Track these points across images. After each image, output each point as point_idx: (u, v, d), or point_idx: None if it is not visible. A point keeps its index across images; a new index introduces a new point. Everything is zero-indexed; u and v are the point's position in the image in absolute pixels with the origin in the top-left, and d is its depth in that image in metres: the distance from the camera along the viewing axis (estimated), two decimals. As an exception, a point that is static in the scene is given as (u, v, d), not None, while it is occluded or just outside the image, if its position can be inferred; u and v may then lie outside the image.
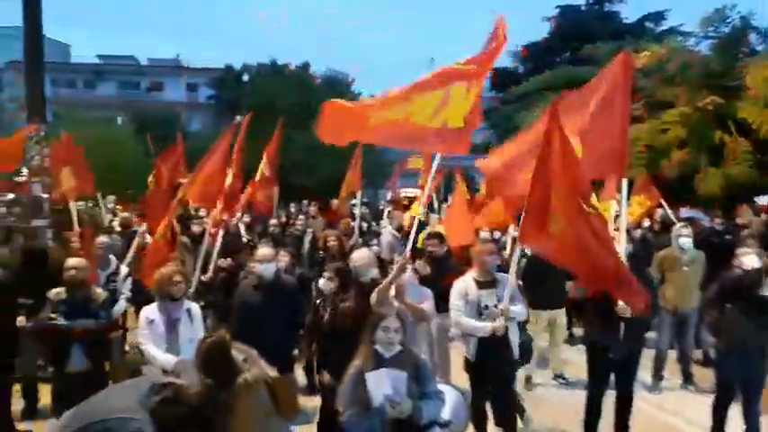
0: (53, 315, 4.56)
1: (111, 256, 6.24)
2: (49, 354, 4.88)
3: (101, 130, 24.61)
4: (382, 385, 3.37)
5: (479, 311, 4.79)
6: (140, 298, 5.80)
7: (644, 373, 6.77)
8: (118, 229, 8.01)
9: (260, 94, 29.33)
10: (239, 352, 3.41)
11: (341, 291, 4.80)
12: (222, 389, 3.02)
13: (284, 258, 6.12)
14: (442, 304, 5.30)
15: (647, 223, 10.00)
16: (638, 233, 9.21)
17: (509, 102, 23.99)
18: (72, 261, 4.80)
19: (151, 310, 4.63)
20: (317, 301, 4.97)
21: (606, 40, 19.34)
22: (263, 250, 5.31)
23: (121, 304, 5.91)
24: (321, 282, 4.86)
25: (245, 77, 35.99)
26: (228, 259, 6.72)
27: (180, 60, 51.29)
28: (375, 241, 9.16)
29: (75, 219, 8.95)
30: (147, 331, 4.56)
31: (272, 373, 3.41)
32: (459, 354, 5.44)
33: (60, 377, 4.66)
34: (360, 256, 5.31)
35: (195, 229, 8.08)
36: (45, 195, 7.88)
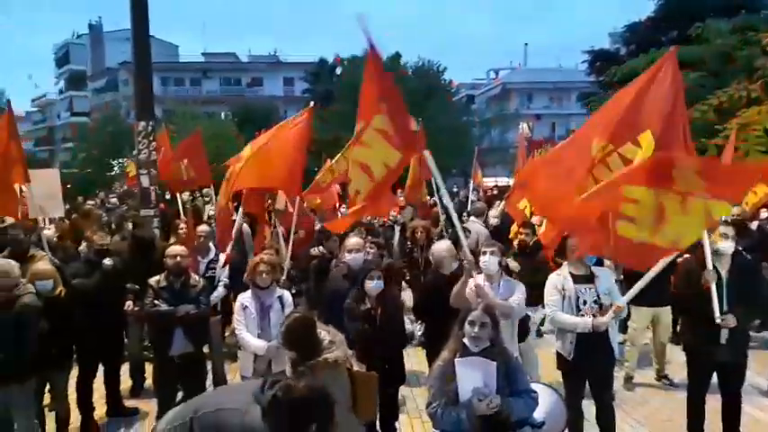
0: (156, 301, 4.81)
1: (211, 244, 6.52)
2: (154, 337, 5.16)
3: (205, 124, 26.00)
4: (471, 375, 3.28)
5: (577, 306, 4.56)
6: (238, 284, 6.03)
7: (761, 379, 6.22)
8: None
9: (351, 85, 29.76)
10: (328, 334, 3.46)
11: (388, 290, 4.75)
12: (304, 362, 3.11)
13: (372, 249, 6.13)
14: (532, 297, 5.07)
15: (764, 214, 9.10)
16: (754, 225, 8.43)
17: (609, 85, 22.77)
18: (175, 249, 5.05)
19: (245, 297, 4.79)
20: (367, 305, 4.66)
21: (717, 16, 17.79)
22: (352, 240, 5.35)
23: (220, 290, 6.15)
24: (368, 284, 4.59)
25: (339, 70, 36.66)
26: (320, 247, 6.83)
27: (278, 56, 53.18)
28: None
29: (181, 209, 9.53)
30: (241, 317, 4.73)
31: (360, 368, 3.40)
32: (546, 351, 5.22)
33: (163, 360, 4.92)
34: (439, 249, 5.24)
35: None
36: (152, 187, 8.36)
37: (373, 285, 4.58)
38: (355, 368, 3.44)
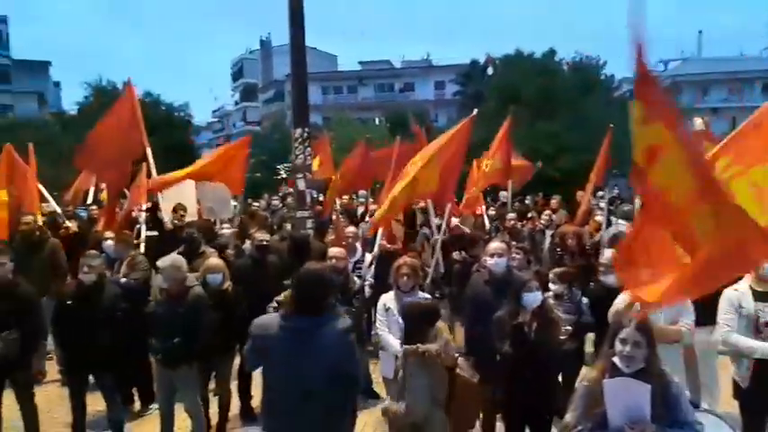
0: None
1: (358, 245, 6.72)
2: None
3: (359, 129, 27.09)
4: (621, 399, 2.97)
5: (756, 328, 3.96)
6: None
7: None
8: (368, 219, 8.62)
9: (503, 85, 29.11)
10: (441, 333, 3.44)
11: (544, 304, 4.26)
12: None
13: (517, 254, 5.88)
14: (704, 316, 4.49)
15: None
16: None
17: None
18: (334, 250, 5.27)
19: (388, 298, 4.84)
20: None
21: None
22: (495, 244, 5.17)
23: (365, 290, 6.32)
24: (526, 296, 4.13)
25: (490, 70, 36.11)
26: (463, 252, 6.73)
27: (430, 60, 53.82)
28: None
29: (336, 210, 10.01)
30: (383, 318, 4.78)
31: (466, 372, 3.30)
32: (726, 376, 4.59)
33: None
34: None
35: (435, 221, 8.29)
36: (307, 189, 8.83)
37: (531, 298, 4.09)
38: (462, 373, 3.37)
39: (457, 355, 3.44)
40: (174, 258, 5.04)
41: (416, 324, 3.45)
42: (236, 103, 67.41)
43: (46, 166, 9.21)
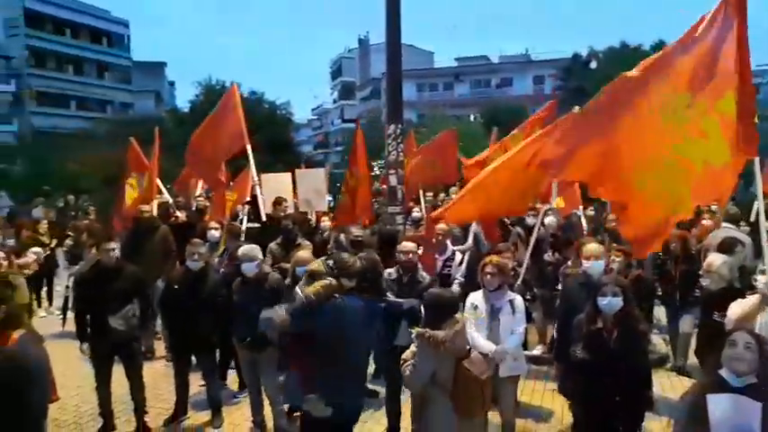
0: (386, 293, 5.06)
1: (448, 242, 6.67)
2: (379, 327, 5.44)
3: (455, 126, 26.88)
4: (727, 417, 2.75)
5: None
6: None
7: None
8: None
9: (606, 79, 27.75)
10: (455, 324, 3.61)
11: (629, 310, 3.95)
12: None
13: (618, 257, 5.58)
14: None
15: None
16: None
17: None
18: (407, 245, 5.26)
19: (476, 297, 4.78)
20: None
21: None
22: (591, 245, 4.94)
23: (455, 288, 6.24)
24: (600, 301, 3.91)
25: (593, 64, 34.56)
26: (556, 254, 6.50)
27: (529, 55, 52.40)
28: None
29: (423, 206, 10.00)
30: (470, 316, 4.73)
31: (475, 366, 3.58)
32: None
33: (388, 349, 5.14)
34: (715, 263, 4.55)
35: (528, 221, 8.07)
36: (399, 185, 8.89)
37: (606, 303, 3.89)
38: (470, 366, 3.55)
39: (468, 347, 3.63)
40: (250, 247, 5.26)
41: (435, 312, 3.67)
42: (335, 102, 69.07)
43: (160, 159, 9.93)
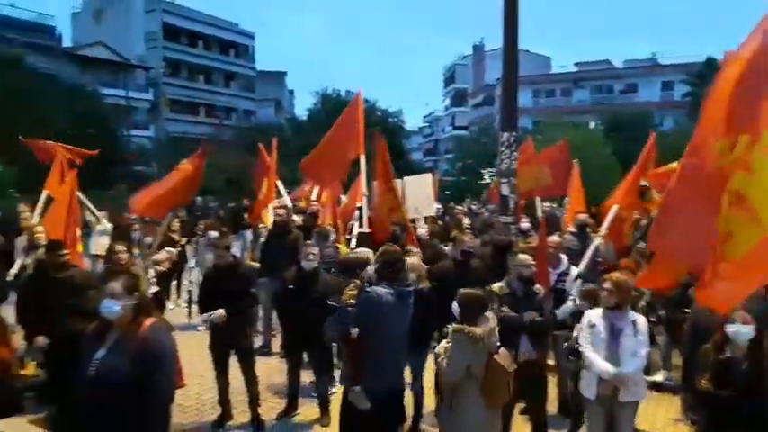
0: (502, 307, 4.93)
1: (563, 256, 6.39)
2: (503, 343, 5.29)
3: (571, 134, 25.87)
4: None
5: None
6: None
7: None
8: (571, 229, 8.15)
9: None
10: (490, 317, 3.95)
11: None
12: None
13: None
14: None
15: None
16: None
17: None
18: (524, 258, 5.11)
19: (594, 315, 4.54)
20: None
21: None
22: (728, 267, 4.51)
23: (568, 305, 5.95)
24: (728, 329, 3.59)
25: (731, 69, 31.77)
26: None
27: (656, 59, 49.33)
28: None
29: (539, 215, 9.67)
30: (587, 334, 4.50)
31: (504, 360, 3.82)
32: None
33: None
34: None
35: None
36: (511, 195, 8.67)
37: (734, 331, 3.59)
38: (499, 360, 3.83)
39: (498, 343, 3.92)
40: (363, 251, 5.32)
41: (469, 310, 3.95)
42: (446, 109, 69.07)
43: (280, 164, 10.44)
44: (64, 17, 58.56)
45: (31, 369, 4.80)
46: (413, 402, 5.62)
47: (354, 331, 4.09)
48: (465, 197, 24.72)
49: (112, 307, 3.39)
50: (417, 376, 5.62)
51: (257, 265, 8.04)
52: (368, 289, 4.05)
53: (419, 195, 10.04)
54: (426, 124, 77.04)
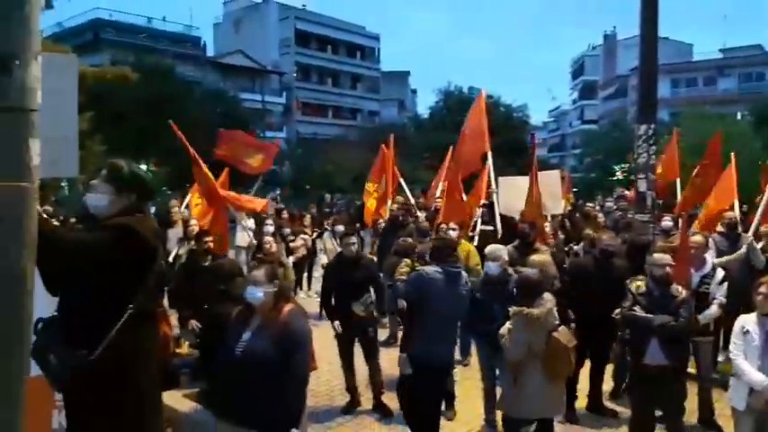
0: (635, 307, 4.68)
1: (707, 256, 5.92)
2: (629, 343, 5.03)
3: (716, 125, 23.72)
4: None
5: None
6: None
7: None
8: (720, 228, 7.49)
9: None
10: (548, 298, 4.35)
11: None
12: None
13: None
14: None
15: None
16: None
17: None
18: (662, 257, 4.80)
19: (748, 321, 4.19)
20: None
21: None
22: None
23: (713, 309, 5.49)
24: None
25: None
26: None
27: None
28: None
29: (683, 215, 9.02)
30: (739, 341, 4.17)
31: (563, 337, 4.15)
32: None
33: (636, 367, 4.72)
34: None
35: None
36: (649, 191, 8.16)
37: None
38: (559, 337, 4.20)
39: (557, 322, 4.25)
40: (495, 247, 5.31)
41: (526, 293, 4.35)
42: (574, 102, 66.20)
43: (402, 162, 10.66)
44: (207, 28, 63.67)
45: (185, 349, 5.36)
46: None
47: (402, 303, 4.67)
48: (595, 194, 23.60)
49: (256, 293, 3.69)
50: None
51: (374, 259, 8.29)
52: (418, 268, 4.60)
53: (546, 192, 9.76)
54: (552, 119, 74.34)
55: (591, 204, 14.88)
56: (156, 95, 24.99)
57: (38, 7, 1.28)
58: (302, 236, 10.10)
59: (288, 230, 9.72)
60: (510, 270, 5.24)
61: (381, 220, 9.29)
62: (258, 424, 3.51)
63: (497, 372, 5.22)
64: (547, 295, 4.34)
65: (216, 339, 4.18)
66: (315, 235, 11.43)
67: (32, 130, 1.29)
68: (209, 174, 7.39)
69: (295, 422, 3.76)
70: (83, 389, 2.62)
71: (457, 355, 6.04)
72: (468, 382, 6.31)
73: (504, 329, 4.31)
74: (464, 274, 4.64)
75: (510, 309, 4.30)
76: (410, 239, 5.46)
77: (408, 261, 5.41)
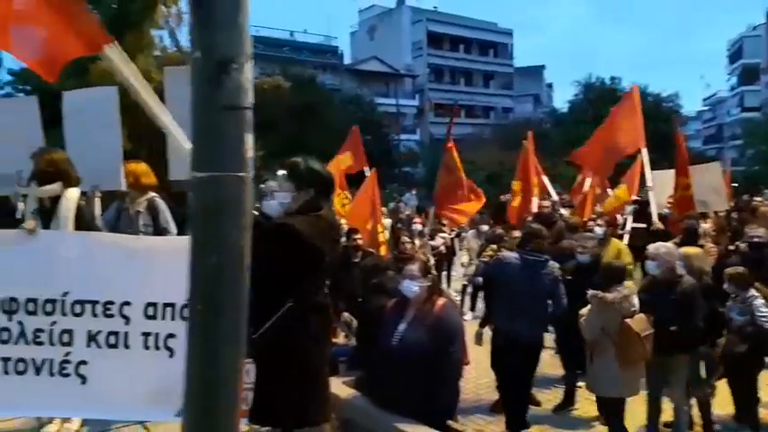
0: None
1: None
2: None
3: None
4: None
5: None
6: None
7: None
8: None
9: None
10: (625, 290, 4.59)
11: None
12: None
13: None
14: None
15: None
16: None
17: None
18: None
19: None
20: None
21: None
22: None
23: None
24: None
25: None
26: None
27: None
28: None
29: None
30: None
31: (636, 325, 4.37)
32: None
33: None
34: None
35: None
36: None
37: None
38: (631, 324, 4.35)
39: (634, 309, 4.44)
40: (667, 245, 4.96)
41: (607, 279, 4.64)
42: (732, 89, 59.99)
43: (542, 158, 10.37)
44: (344, 36, 66.43)
45: (341, 338, 5.64)
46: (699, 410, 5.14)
47: (478, 280, 5.73)
48: (760, 189, 21.23)
49: (412, 287, 3.81)
50: (702, 381, 5.11)
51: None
52: (499, 253, 5.61)
53: (707, 188, 8.96)
54: (706, 108, 67.93)
55: (759, 199, 13.43)
56: (301, 104, 26.54)
57: (248, 12, 1.43)
58: (441, 234, 10.24)
59: (427, 230, 9.88)
60: (681, 270, 4.84)
61: (529, 218, 9.11)
62: (414, 412, 3.62)
63: None
64: (629, 283, 4.62)
65: (371, 330, 4.37)
66: (453, 234, 11.45)
67: (247, 126, 1.45)
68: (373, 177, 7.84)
69: (449, 413, 3.82)
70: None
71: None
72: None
73: (583, 310, 4.62)
74: (550, 263, 4.93)
75: (588, 292, 4.56)
76: (541, 229, 5.44)
77: (494, 247, 6.46)
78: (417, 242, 8.12)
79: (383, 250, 7.19)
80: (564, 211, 9.48)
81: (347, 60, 51.20)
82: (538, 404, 5.71)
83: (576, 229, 7.32)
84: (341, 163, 9.23)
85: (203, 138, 1.41)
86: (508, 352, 4.82)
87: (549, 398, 6.03)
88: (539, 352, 4.97)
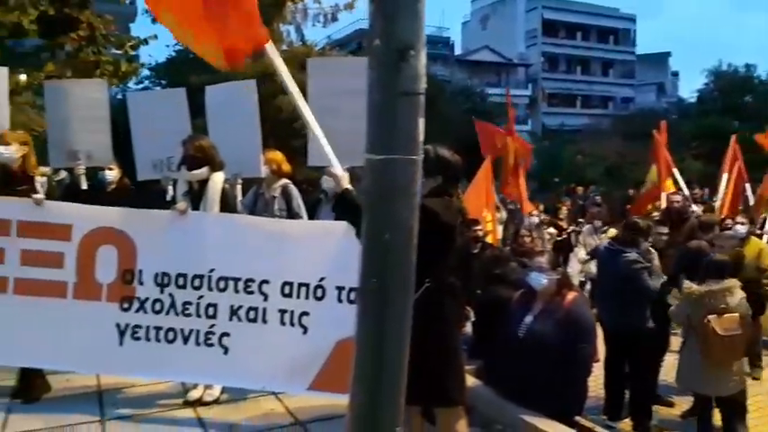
0: None
1: None
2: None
3: None
4: None
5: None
6: None
7: None
8: None
9: None
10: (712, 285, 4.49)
11: None
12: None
13: None
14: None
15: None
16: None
17: None
18: None
19: None
20: None
21: None
22: None
23: None
24: None
25: None
26: None
27: None
28: None
29: None
30: None
31: (718, 325, 4.27)
32: None
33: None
34: None
35: None
36: None
37: None
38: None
39: (723, 306, 4.26)
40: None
41: (707, 272, 4.47)
42: None
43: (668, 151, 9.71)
44: (456, 27, 65.89)
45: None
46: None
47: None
48: None
49: (540, 279, 3.74)
50: None
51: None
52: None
53: None
54: None
55: None
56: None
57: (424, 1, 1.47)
58: (550, 229, 9.84)
59: (535, 221, 9.66)
60: None
61: (655, 213, 8.59)
62: (540, 406, 3.56)
63: None
64: (730, 281, 4.39)
65: (492, 320, 4.34)
66: (570, 229, 11.07)
67: (421, 110, 1.49)
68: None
69: (577, 410, 3.73)
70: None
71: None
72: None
73: (677, 294, 4.87)
74: (631, 256, 4.90)
75: (683, 281, 4.69)
76: (641, 224, 5.42)
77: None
78: (536, 235, 7.91)
79: (491, 239, 7.12)
80: (695, 208, 8.85)
81: (458, 51, 50.67)
82: (671, 405, 5.44)
83: (710, 227, 6.83)
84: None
85: (380, 123, 1.47)
86: (607, 341, 5.05)
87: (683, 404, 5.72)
88: (637, 341, 4.92)
